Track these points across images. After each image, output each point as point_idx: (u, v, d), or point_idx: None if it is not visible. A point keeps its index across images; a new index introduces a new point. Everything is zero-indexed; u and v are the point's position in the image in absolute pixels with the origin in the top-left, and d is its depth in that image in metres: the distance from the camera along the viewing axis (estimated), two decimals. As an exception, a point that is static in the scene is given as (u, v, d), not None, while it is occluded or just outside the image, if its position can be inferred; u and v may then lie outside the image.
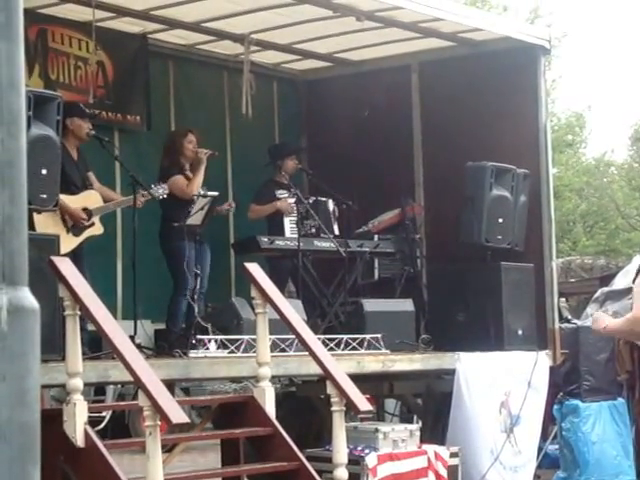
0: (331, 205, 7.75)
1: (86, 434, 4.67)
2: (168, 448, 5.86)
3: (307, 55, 8.65)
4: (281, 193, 7.77)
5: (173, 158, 7.20)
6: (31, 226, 5.99)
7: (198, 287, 6.90)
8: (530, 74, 7.87)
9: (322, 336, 6.48)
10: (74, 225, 6.35)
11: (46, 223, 6.08)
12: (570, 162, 24.13)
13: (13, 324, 2.25)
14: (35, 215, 5.86)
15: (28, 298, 2.31)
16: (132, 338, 5.65)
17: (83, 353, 5.43)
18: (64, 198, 6.30)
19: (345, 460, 5.32)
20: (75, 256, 6.35)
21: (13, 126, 2.28)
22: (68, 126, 6.43)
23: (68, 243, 6.33)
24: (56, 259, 4.89)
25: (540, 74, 7.89)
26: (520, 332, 7.49)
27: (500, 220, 7.58)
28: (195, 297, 6.82)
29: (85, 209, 6.46)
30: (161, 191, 6.72)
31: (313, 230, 7.51)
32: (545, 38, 7.98)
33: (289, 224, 7.66)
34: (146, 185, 6.62)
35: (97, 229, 6.56)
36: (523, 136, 7.88)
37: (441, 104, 8.19)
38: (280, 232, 7.62)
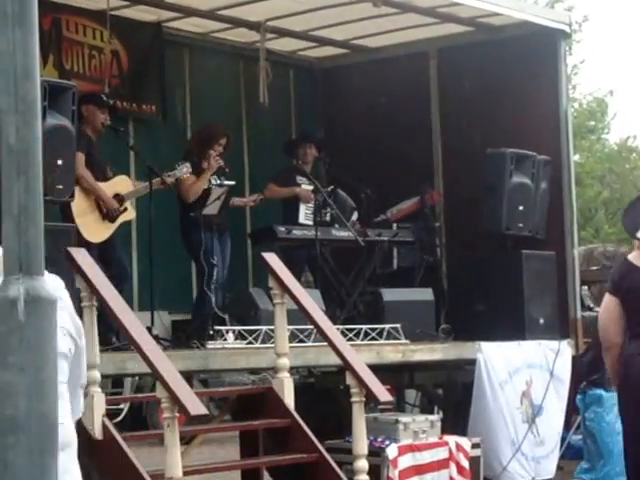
0: (355, 215, 7.65)
1: (104, 426, 4.65)
2: (186, 440, 5.81)
3: (323, 42, 8.58)
4: (300, 179, 7.71)
5: (201, 151, 7.07)
6: (69, 214, 5.98)
7: (215, 278, 6.83)
8: (550, 59, 7.78)
9: (341, 326, 6.42)
10: (108, 212, 6.32)
11: (83, 211, 6.07)
12: (593, 149, 23.87)
13: (30, 315, 2.22)
14: (72, 204, 5.84)
15: (45, 288, 2.28)
16: (149, 330, 5.61)
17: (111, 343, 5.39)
18: (101, 185, 6.30)
19: (365, 451, 5.27)
20: (112, 243, 6.35)
21: (28, 114, 2.23)
22: (83, 113, 6.38)
23: (105, 230, 6.32)
24: (73, 250, 4.85)
25: (560, 59, 7.80)
26: (542, 321, 7.40)
27: (521, 208, 7.49)
28: (212, 287, 6.76)
29: (117, 195, 6.42)
30: (185, 170, 6.65)
31: (327, 218, 7.43)
32: (565, 22, 7.88)
33: (304, 210, 7.60)
34: (162, 173, 6.57)
35: (130, 214, 6.55)
36: (544, 122, 7.79)
37: (460, 90, 8.11)
38: (295, 218, 7.56)
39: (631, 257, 4.75)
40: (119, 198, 6.42)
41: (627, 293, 4.65)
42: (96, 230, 6.24)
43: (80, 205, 6.04)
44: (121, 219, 6.44)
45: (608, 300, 4.72)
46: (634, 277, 4.65)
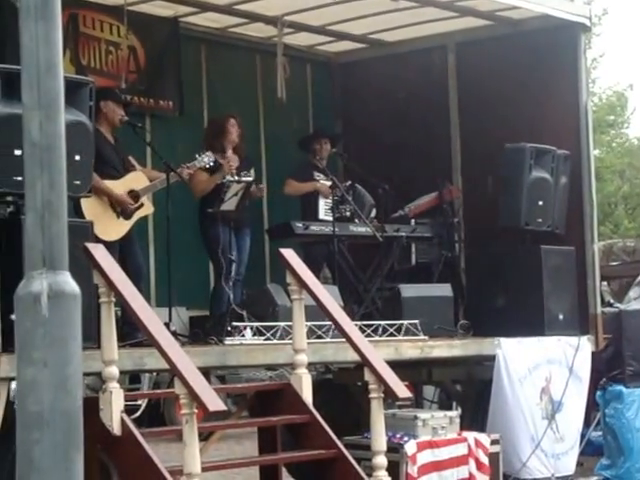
0: (374, 212, 7.62)
1: (123, 422, 4.63)
2: (204, 437, 5.79)
3: (341, 37, 8.55)
4: (318, 175, 7.69)
5: (216, 140, 7.09)
6: (80, 214, 5.95)
7: (233, 273, 6.80)
8: (570, 53, 7.73)
9: (359, 322, 6.38)
10: (123, 210, 6.30)
11: (95, 210, 6.04)
12: (612, 143, 23.67)
13: (54, 309, 2.21)
14: (83, 203, 5.82)
15: (69, 283, 2.27)
16: (167, 325, 5.58)
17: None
18: (108, 184, 6.25)
19: (384, 447, 5.24)
20: (129, 239, 6.32)
21: (51, 109, 2.22)
22: (102, 109, 6.36)
23: (121, 228, 6.30)
24: (90, 245, 4.84)
25: (580, 53, 7.74)
26: (561, 317, 7.36)
27: (540, 203, 7.44)
28: (230, 283, 6.73)
29: (132, 191, 6.39)
30: (206, 159, 6.62)
31: (348, 214, 7.41)
32: (585, 15, 7.81)
33: (324, 205, 7.58)
34: (182, 165, 6.54)
35: (147, 209, 6.52)
36: (563, 117, 7.74)
37: (478, 85, 8.06)
38: (314, 213, 7.55)
39: None
40: (134, 194, 6.39)
41: None
42: (111, 228, 6.21)
43: (91, 205, 6.01)
44: (138, 215, 6.42)
45: None
46: None
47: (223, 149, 7.08)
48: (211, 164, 6.68)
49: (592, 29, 8.17)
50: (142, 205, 6.43)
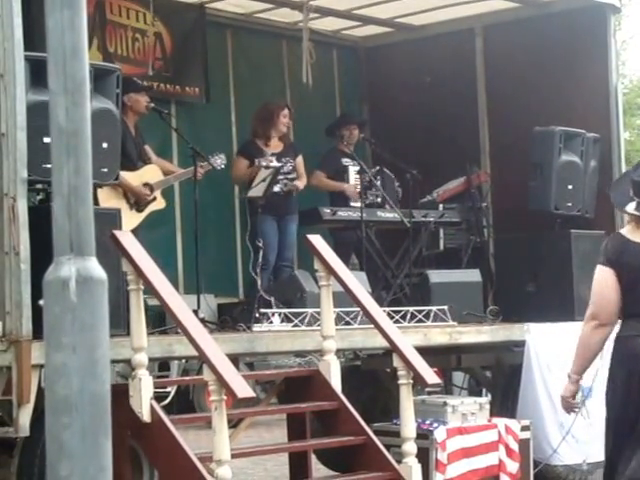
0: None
1: (152, 409, 4.64)
2: (233, 424, 5.80)
3: (367, 21, 8.49)
4: (346, 161, 7.65)
5: (265, 128, 7.11)
6: (96, 203, 5.95)
7: (260, 260, 6.79)
8: (599, 35, 7.62)
9: (387, 308, 6.36)
10: (137, 201, 6.31)
11: (109, 201, 6.05)
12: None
13: (82, 295, 2.22)
14: (99, 193, 5.83)
15: (96, 268, 2.27)
16: (195, 313, 5.59)
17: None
18: (124, 175, 6.25)
19: (413, 434, 5.23)
20: (137, 233, 6.32)
21: (77, 94, 2.22)
22: (126, 103, 6.37)
23: (132, 220, 6.30)
24: (119, 233, 4.85)
25: (610, 34, 7.63)
26: (591, 302, 7.27)
27: (570, 186, 7.37)
28: (258, 270, 6.73)
29: (146, 184, 6.40)
30: (219, 161, 6.63)
31: (378, 200, 7.38)
32: (614, -4, 7.70)
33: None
34: (206, 156, 6.54)
35: (159, 203, 6.53)
36: (593, 99, 7.65)
37: (507, 68, 7.99)
38: (344, 201, 7.51)
39: (624, 231, 4.42)
40: (148, 187, 6.41)
41: (622, 269, 4.30)
42: (124, 219, 6.21)
43: (106, 195, 6.02)
44: (150, 209, 6.43)
45: (606, 273, 4.33)
46: (630, 252, 4.29)
47: (268, 136, 7.10)
48: (222, 167, 6.69)
49: (622, 10, 8.04)
50: (155, 199, 6.45)
